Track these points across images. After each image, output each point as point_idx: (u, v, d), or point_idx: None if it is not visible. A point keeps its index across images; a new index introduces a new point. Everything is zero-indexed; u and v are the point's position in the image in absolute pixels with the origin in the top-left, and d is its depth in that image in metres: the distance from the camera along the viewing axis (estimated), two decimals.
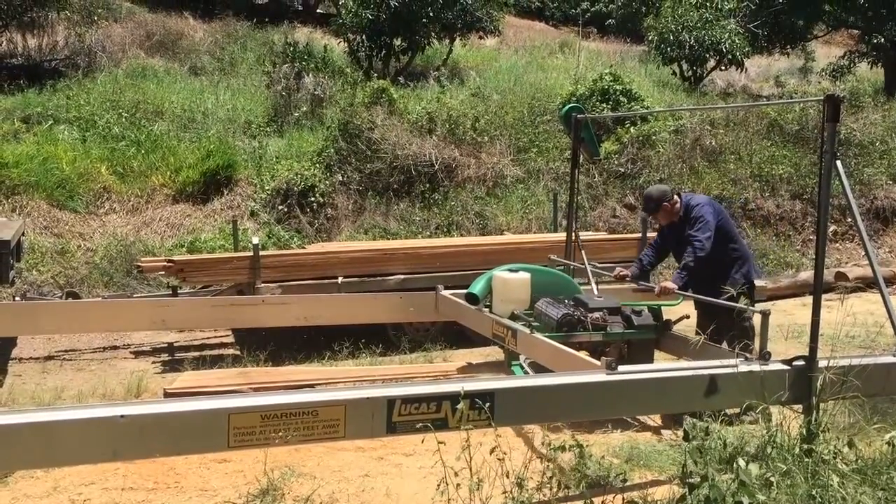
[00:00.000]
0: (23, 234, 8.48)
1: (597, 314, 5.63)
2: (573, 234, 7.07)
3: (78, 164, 11.22)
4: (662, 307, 5.95)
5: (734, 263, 5.95)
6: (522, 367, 5.81)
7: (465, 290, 6.46)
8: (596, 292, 6.21)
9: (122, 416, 3.40)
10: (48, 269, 9.61)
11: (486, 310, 6.16)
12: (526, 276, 6.11)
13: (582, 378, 4.30)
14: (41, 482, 4.42)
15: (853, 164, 13.47)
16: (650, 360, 5.69)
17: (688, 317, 6.03)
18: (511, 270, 6.20)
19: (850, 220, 12.61)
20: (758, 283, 6.17)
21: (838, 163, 4.41)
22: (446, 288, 6.91)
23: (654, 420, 5.59)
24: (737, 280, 5.86)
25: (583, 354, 4.96)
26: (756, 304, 5.92)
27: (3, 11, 14.38)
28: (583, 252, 6.66)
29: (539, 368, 5.40)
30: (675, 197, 6.06)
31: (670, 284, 5.73)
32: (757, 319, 5.05)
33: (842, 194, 4.76)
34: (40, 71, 14.70)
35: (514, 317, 5.86)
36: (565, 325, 5.49)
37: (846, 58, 19.45)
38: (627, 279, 6.24)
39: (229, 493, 4.29)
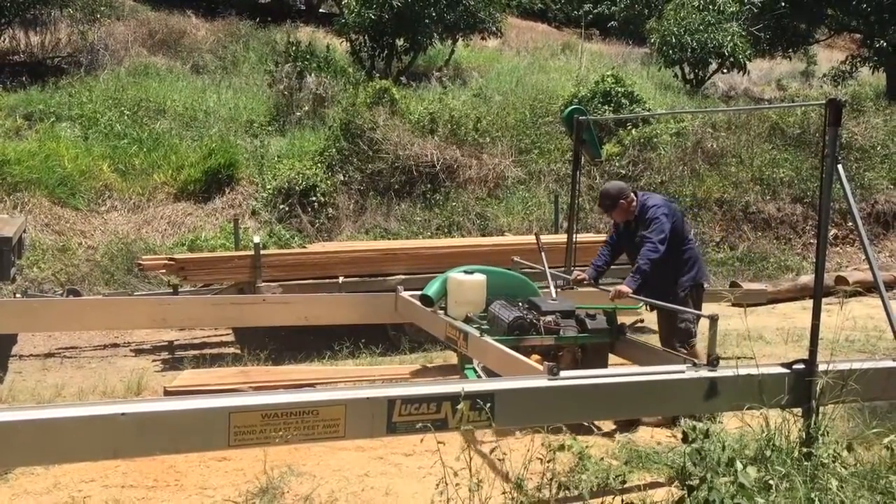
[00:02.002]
0: (24, 231, 8.49)
1: (549, 317, 5.54)
2: (573, 235, 7.04)
3: (80, 161, 11.24)
4: (623, 311, 5.87)
5: (684, 265, 5.87)
6: (475, 371, 5.71)
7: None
8: (554, 295, 6.09)
9: (122, 414, 3.40)
10: (49, 267, 9.62)
11: (442, 312, 6.06)
12: (481, 277, 6.00)
13: (590, 380, 4.31)
14: (41, 479, 4.43)
15: (854, 168, 13.49)
16: (605, 365, 5.60)
17: (642, 320, 5.99)
18: (466, 272, 6.09)
19: (850, 223, 12.62)
20: (706, 285, 6.16)
21: (839, 167, 4.41)
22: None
23: (605, 425, 5.42)
24: (684, 283, 5.81)
25: (533, 359, 4.88)
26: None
27: (7, 9, 14.38)
28: (543, 254, 6.54)
29: (491, 373, 5.30)
30: (632, 195, 5.96)
31: (624, 288, 5.63)
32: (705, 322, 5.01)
33: (843, 198, 4.76)
34: (43, 68, 14.71)
35: (468, 319, 5.77)
36: (516, 328, 5.41)
37: (848, 62, 19.44)
38: (585, 282, 6.14)
39: (229, 492, 4.30)
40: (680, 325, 5.70)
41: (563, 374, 4.19)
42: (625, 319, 6.02)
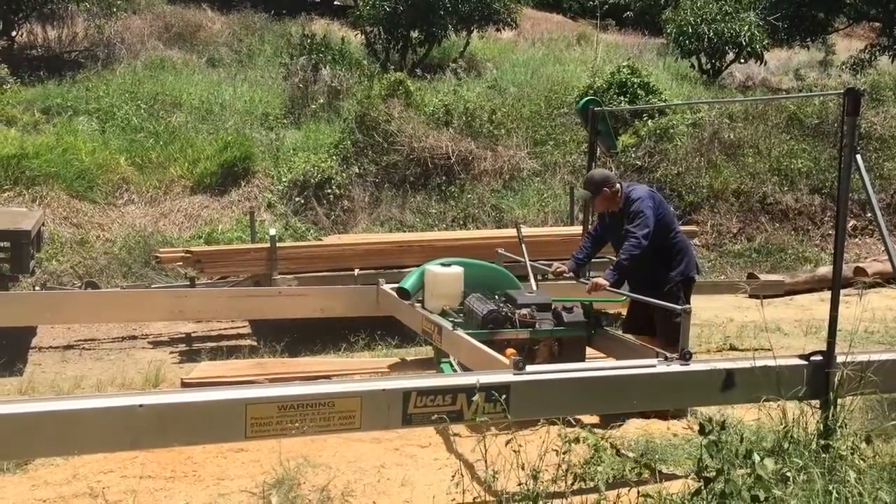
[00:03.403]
0: (43, 224, 8.57)
1: (524, 311, 5.42)
2: (588, 227, 6.99)
3: (97, 155, 11.32)
4: (603, 304, 5.74)
5: (673, 259, 5.73)
6: (452, 365, 5.59)
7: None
8: (535, 288, 6.01)
9: (140, 406, 3.42)
10: (67, 260, 9.70)
11: (419, 305, 5.98)
12: (457, 270, 5.91)
13: (600, 372, 4.29)
14: (61, 470, 4.46)
15: (873, 159, 13.34)
16: (582, 359, 5.44)
17: (620, 314, 5.87)
18: (443, 264, 6.00)
19: (869, 214, 12.49)
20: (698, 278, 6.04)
21: (858, 157, 4.36)
22: None
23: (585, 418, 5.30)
24: (672, 278, 5.68)
25: (508, 353, 4.72)
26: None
27: (24, 3, 14.48)
28: (523, 246, 6.47)
29: (467, 368, 5.18)
30: (618, 185, 5.82)
31: (602, 281, 5.52)
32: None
33: (861, 189, 4.72)
34: (60, 62, 14.81)
35: (444, 313, 5.69)
36: (490, 321, 5.30)
37: (867, 51, 19.22)
38: (565, 274, 6.02)
39: (246, 483, 4.32)
40: (676, 319, 5.59)
41: (528, 368, 4.09)
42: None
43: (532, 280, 6.19)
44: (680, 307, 4.70)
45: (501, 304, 5.51)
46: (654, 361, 4.43)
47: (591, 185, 5.86)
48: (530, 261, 6.61)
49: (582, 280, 5.95)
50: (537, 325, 5.41)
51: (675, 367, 4.33)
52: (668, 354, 4.52)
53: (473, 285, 5.88)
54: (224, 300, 7.20)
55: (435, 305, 5.84)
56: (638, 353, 5.02)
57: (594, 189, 5.84)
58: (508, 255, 6.91)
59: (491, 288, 5.88)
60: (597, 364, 4.85)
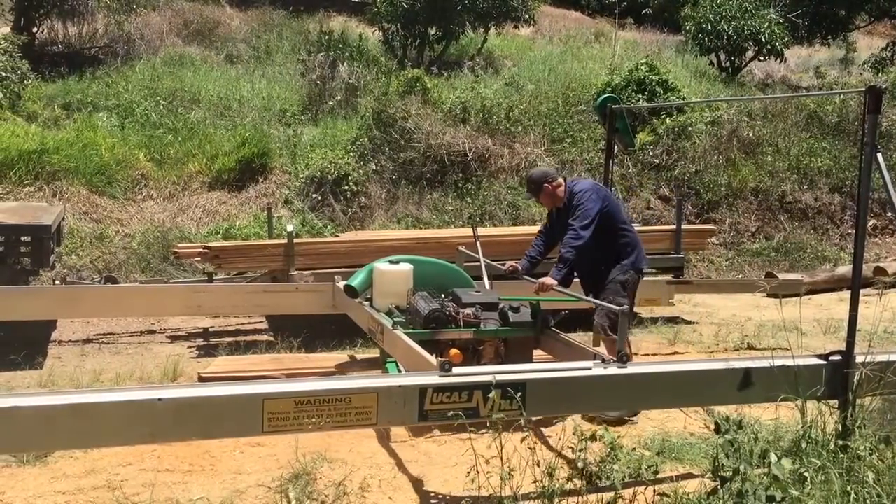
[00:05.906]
0: (63, 219, 8.63)
1: (469, 310, 5.26)
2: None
3: (116, 150, 11.40)
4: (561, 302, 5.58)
5: (622, 251, 5.64)
6: (397, 365, 5.43)
7: None
8: (488, 286, 5.90)
9: (159, 400, 3.45)
10: (87, 254, 9.79)
11: (367, 303, 5.84)
12: (405, 268, 5.76)
13: (614, 371, 4.26)
14: (79, 462, 4.51)
15: (894, 157, 13.21)
16: (529, 360, 5.28)
17: (566, 311, 5.75)
18: (392, 262, 5.87)
19: (890, 214, 12.40)
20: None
21: (879, 155, 4.33)
22: None
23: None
24: (625, 266, 5.60)
25: (452, 353, 4.67)
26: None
27: None
28: (478, 244, 6.37)
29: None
30: (560, 180, 5.74)
31: (549, 280, 5.40)
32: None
33: (882, 188, 4.68)
34: (80, 58, 14.94)
35: (390, 312, 5.55)
36: (433, 321, 5.14)
37: (889, 49, 19.05)
38: (517, 273, 5.86)
39: (262, 477, 4.35)
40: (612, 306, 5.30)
41: (455, 370, 3.97)
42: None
43: (485, 279, 6.08)
44: (618, 308, 4.55)
45: (446, 303, 5.34)
46: (589, 364, 4.33)
47: (531, 184, 5.82)
48: (472, 259, 6.51)
49: (528, 279, 5.77)
50: (482, 325, 5.25)
51: (613, 370, 4.25)
52: (606, 356, 4.43)
53: (426, 284, 5.72)
54: (241, 295, 7.24)
55: (383, 304, 5.69)
56: (579, 354, 4.84)
57: (534, 188, 5.78)
58: (469, 252, 6.73)
59: (443, 286, 5.72)
60: (529, 366, 4.67)
